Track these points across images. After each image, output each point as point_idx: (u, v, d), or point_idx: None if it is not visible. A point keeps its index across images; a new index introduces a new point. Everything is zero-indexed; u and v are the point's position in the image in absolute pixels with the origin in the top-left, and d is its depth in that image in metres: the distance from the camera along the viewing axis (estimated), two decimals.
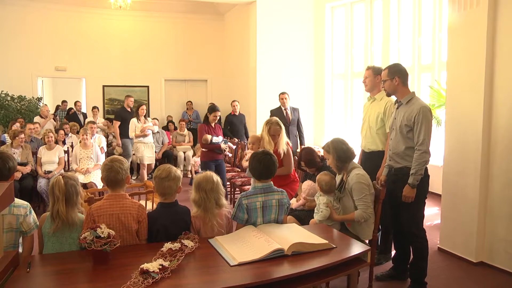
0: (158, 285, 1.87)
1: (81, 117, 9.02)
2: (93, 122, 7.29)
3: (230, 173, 6.13)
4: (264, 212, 2.61)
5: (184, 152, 8.65)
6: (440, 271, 3.70)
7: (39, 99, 9.50)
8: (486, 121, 3.73)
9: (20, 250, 2.50)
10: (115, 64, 10.11)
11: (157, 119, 8.83)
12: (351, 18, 8.18)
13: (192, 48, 10.62)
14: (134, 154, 7.49)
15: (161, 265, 1.97)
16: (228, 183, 5.88)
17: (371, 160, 3.77)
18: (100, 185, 5.57)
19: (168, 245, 2.23)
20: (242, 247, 2.27)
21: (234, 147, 6.60)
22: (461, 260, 3.89)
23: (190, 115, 10.07)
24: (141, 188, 4.54)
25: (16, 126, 7.06)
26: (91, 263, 2.10)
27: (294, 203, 3.62)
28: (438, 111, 5.92)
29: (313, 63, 8.77)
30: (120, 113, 7.59)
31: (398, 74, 3.22)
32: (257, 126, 8.14)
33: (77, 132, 7.36)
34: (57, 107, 9.98)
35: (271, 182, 2.72)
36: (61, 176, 2.43)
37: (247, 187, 5.15)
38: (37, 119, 8.13)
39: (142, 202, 3.29)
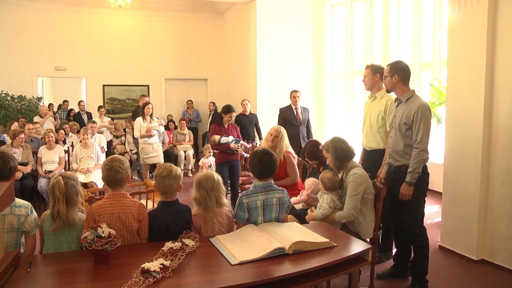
0: (159, 284, 1.87)
1: (85, 117, 8.95)
2: (94, 122, 7.27)
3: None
4: (265, 211, 2.61)
5: (185, 151, 8.66)
6: (441, 269, 3.70)
7: (39, 99, 9.50)
8: (487, 118, 3.72)
9: (22, 250, 2.50)
10: (115, 63, 10.10)
11: (157, 119, 8.78)
12: (351, 16, 8.17)
13: (192, 47, 10.60)
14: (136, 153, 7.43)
15: (162, 264, 1.96)
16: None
17: (372, 158, 3.77)
18: (100, 184, 5.57)
19: (169, 244, 2.23)
20: (243, 246, 2.27)
21: (249, 146, 6.31)
22: (462, 258, 3.89)
23: (190, 114, 10.07)
24: (141, 187, 4.54)
25: (15, 125, 7.05)
26: (92, 263, 2.10)
27: (295, 198, 3.61)
28: (438, 109, 5.92)
29: (313, 61, 8.75)
30: (137, 112, 7.58)
31: (398, 71, 3.21)
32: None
33: (77, 132, 7.37)
34: (59, 106, 9.97)
35: (272, 180, 2.72)
36: (61, 177, 2.43)
37: (247, 186, 5.14)
38: (36, 119, 8.13)
39: (143, 201, 3.30)
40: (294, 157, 4.20)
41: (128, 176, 2.54)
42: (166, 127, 9.29)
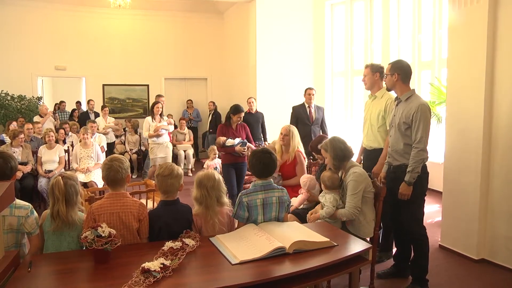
0: (160, 284, 1.86)
1: (92, 116, 8.88)
2: (94, 121, 7.27)
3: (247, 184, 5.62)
4: (265, 210, 2.61)
5: (185, 151, 8.66)
6: (441, 268, 3.70)
7: (39, 98, 9.50)
8: (487, 118, 3.72)
9: (26, 250, 2.50)
10: (115, 63, 10.10)
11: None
12: (351, 15, 8.17)
13: (192, 46, 10.60)
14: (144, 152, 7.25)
15: (162, 264, 1.96)
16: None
17: (373, 157, 3.77)
18: (100, 184, 5.57)
19: (169, 244, 2.23)
20: (244, 245, 2.27)
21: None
22: (462, 257, 3.89)
23: (190, 114, 10.07)
24: (141, 187, 4.54)
25: (13, 125, 7.04)
26: (92, 263, 2.10)
27: (296, 200, 3.61)
28: (438, 108, 5.92)
29: (313, 60, 8.75)
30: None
31: (398, 70, 3.21)
32: None
33: (77, 132, 7.36)
34: (57, 107, 9.95)
35: (271, 179, 2.73)
36: (60, 177, 2.43)
37: (247, 185, 5.12)
38: (36, 118, 8.12)
39: (143, 201, 3.30)
40: (304, 158, 4.20)
41: (128, 175, 2.54)
42: (175, 127, 9.17)
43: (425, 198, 3.28)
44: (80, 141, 6.21)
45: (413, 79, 6.75)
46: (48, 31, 9.60)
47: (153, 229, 2.47)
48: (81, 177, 5.61)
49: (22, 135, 5.94)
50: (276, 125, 6.95)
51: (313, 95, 5.97)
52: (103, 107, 9.01)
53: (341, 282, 3.25)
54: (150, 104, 10.28)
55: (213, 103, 9.85)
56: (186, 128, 9.11)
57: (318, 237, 2.34)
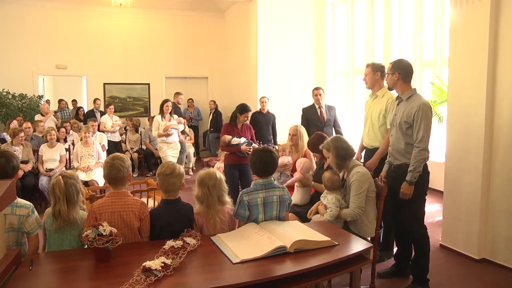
0: (161, 283, 1.87)
1: (98, 115, 8.81)
2: (95, 120, 7.27)
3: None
4: (266, 209, 2.61)
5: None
6: (442, 268, 3.70)
7: (40, 97, 9.51)
8: (488, 117, 3.71)
9: (26, 249, 2.50)
10: (116, 61, 10.10)
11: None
12: (352, 14, 8.15)
13: (193, 45, 10.60)
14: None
15: (164, 262, 1.96)
16: None
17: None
18: (101, 182, 5.58)
19: (170, 243, 2.23)
20: (245, 244, 2.27)
21: None
22: (463, 257, 3.89)
23: (191, 113, 10.07)
24: (143, 186, 4.54)
25: (14, 124, 7.04)
26: (93, 261, 2.10)
27: (291, 180, 3.81)
28: (439, 108, 5.91)
29: (314, 59, 8.74)
30: (176, 109, 7.46)
31: (399, 70, 3.21)
32: None
33: (78, 130, 7.37)
34: (58, 106, 9.95)
35: (272, 178, 2.73)
36: (60, 176, 2.43)
37: None
38: (38, 117, 8.12)
39: (144, 200, 3.30)
40: (314, 156, 4.18)
41: (129, 174, 2.54)
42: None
43: (426, 197, 3.28)
44: (81, 140, 6.22)
45: (414, 78, 6.69)
46: (49, 30, 9.61)
47: (154, 228, 2.47)
48: (82, 176, 5.62)
49: (22, 134, 5.94)
50: (277, 124, 6.96)
51: (320, 95, 5.57)
52: (108, 105, 8.98)
53: (342, 281, 3.25)
54: (151, 103, 10.46)
55: (214, 102, 9.84)
56: (187, 127, 9.10)
57: (319, 237, 2.34)
